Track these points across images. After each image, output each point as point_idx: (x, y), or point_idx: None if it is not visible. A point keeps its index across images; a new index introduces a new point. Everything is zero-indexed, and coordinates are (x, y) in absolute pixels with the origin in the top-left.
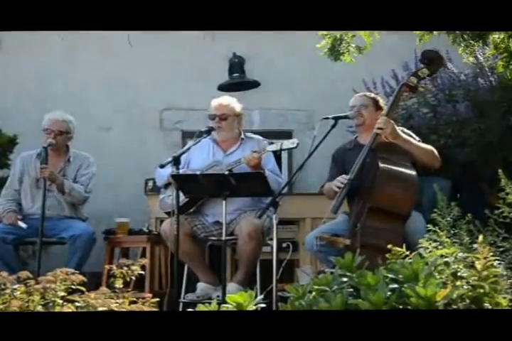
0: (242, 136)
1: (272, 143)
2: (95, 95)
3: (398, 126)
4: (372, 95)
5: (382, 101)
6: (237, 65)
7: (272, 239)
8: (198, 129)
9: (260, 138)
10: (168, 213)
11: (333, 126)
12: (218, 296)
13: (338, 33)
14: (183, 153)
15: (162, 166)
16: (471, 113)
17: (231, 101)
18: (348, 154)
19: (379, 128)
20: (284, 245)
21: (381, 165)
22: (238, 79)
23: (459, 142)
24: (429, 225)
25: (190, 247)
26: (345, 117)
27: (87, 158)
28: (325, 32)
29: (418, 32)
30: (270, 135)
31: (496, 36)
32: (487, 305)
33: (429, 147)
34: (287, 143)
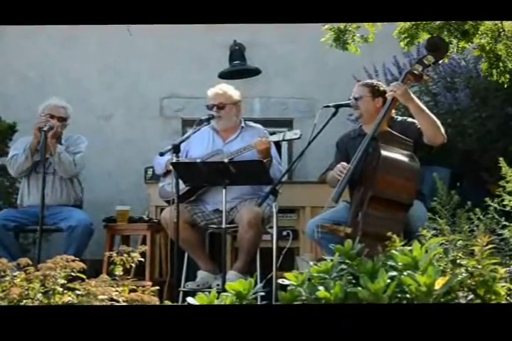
0: (242, 124)
1: (273, 133)
2: (95, 83)
3: (399, 114)
4: (370, 82)
5: (381, 87)
6: (237, 52)
7: (271, 227)
8: (198, 117)
9: (261, 127)
10: (168, 201)
11: (333, 114)
12: (218, 285)
13: (342, 25)
14: (183, 141)
15: (162, 154)
16: (471, 102)
17: (227, 89)
18: (352, 142)
19: (391, 91)
20: (284, 233)
21: (383, 153)
22: (239, 67)
23: (460, 131)
24: (429, 214)
25: (190, 235)
26: (347, 105)
27: (78, 137)
28: (328, 26)
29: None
30: (271, 123)
31: (484, 41)
32: (485, 294)
33: (438, 121)
34: (290, 134)
